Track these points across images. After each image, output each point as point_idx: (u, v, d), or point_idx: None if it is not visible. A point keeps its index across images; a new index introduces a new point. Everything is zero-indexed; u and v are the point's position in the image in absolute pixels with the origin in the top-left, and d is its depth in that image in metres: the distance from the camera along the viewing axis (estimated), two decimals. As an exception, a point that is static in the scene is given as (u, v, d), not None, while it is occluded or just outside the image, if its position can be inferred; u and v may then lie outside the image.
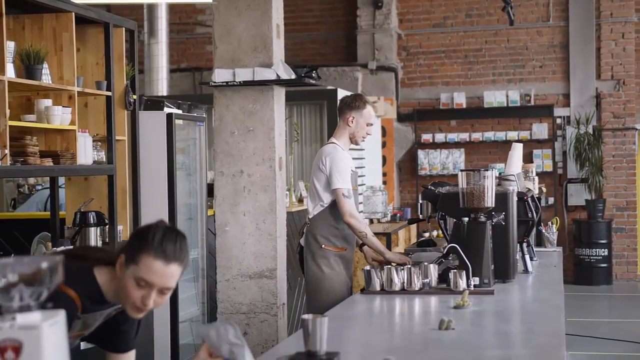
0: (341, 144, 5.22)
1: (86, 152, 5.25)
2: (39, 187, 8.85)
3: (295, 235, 7.39)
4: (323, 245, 5.14)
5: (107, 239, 5.56)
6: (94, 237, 5.38)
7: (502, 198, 4.52)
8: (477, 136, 12.68)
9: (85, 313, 2.64)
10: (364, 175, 10.37)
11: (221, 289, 5.61)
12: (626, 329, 9.26)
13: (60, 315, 1.80)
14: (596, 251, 12.13)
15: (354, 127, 5.21)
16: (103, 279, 2.65)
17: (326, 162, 5.09)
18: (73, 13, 5.15)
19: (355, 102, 5.24)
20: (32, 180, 8.89)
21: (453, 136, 12.76)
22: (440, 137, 12.79)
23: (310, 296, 5.25)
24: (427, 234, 11.54)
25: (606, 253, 12.15)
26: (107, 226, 5.53)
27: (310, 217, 5.22)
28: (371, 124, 5.27)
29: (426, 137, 12.84)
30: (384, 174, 12.29)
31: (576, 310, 10.20)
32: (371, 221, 10.16)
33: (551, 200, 12.46)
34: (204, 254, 6.83)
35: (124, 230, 5.80)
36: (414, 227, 11.16)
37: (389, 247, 9.06)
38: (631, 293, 11.82)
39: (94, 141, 5.46)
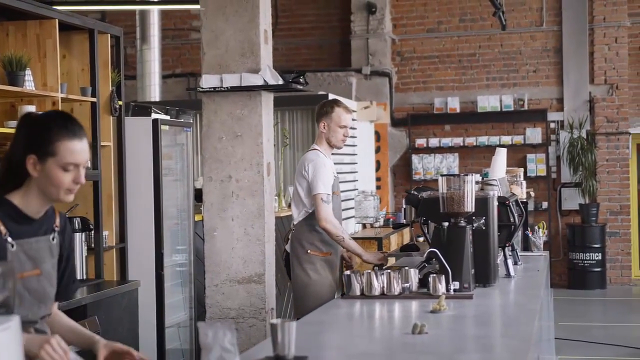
0: (323, 149, 5.33)
1: (70, 157, 5.26)
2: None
3: (283, 240, 7.41)
4: (309, 251, 5.24)
5: (92, 245, 5.57)
6: (79, 242, 5.39)
7: (482, 203, 4.53)
8: (471, 141, 12.70)
9: (17, 238, 2.66)
10: (357, 180, 10.39)
11: (209, 294, 5.62)
12: (619, 333, 9.26)
13: (14, 321, 1.82)
14: (590, 255, 12.14)
15: (327, 132, 5.34)
16: (17, 200, 2.70)
17: (309, 168, 5.21)
18: (57, 20, 5.17)
19: (324, 108, 5.38)
20: None
21: (447, 141, 12.78)
22: (434, 141, 12.81)
23: (297, 301, 5.29)
24: (421, 239, 11.54)
25: (600, 257, 12.16)
26: (92, 232, 5.54)
27: (294, 222, 5.32)
28: (344, 126, 5.35)
29: (420, 141, 12.86)
30: (378, 179, 12.31)
31: (569, 314, 10.21)
32: (364, 226, 10.17)
33: (545, 204, 12.47)
34: (191, 259, 6.85)
35: (109, 236, 5.82)
36: (407, 231, 11.17)
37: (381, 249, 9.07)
38: (625, 297, 11.82)
39: (79, 147, 5.47)
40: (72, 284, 2.93)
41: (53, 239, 2.79)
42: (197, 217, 6.79)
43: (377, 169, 12.30)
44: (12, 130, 4.90)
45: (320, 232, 5.20)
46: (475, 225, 4.48)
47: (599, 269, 12.18)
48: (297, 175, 5.32)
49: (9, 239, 2.64)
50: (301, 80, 5.91)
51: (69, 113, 2.78)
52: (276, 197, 7.98)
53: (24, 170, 2.69)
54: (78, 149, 2.68)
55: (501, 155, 5.59)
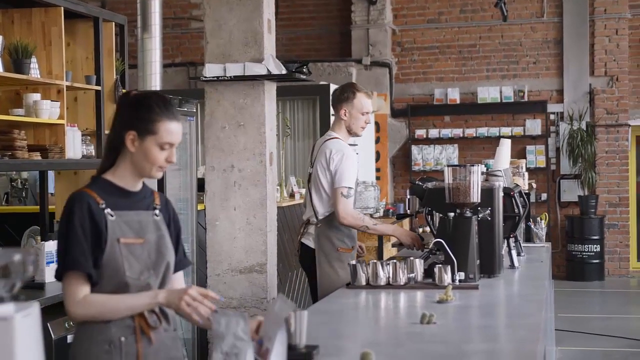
0: (343, 138, 5.10)
1: (75, 146, 5.26)
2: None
3: (285, 230, 7.40)
4: (339, 248, 5.02)
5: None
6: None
7: (488, 193, 4.53)
8: (470, 132, 12.70)
9: (116, 209, 2.80)
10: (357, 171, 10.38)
11: (211, 283, 5.62)
12: (617, 324, 9.29)
13: (35, 307, 1.82)
14: (589, 247, 12.16)
15: (349, 119, 5.10)
16: (110, 177, 2.86)
17: (335, 159, 4.97)
18: (62, 7, 5.16)
19: (344, 93, 5.12)
20: (25, 174, 8.90)
21: (447, 132, 12.78)
22: (434, 132, 12.81)
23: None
24: (421, 230, 11.56)
25: (598, 249, 12.19)
26: (96, 220, 5.53)
27: (319, 217, 5.06)
28: (366, 112, 5.11)
29: (420, 132, 12.87)
30: (378, 170, 12.31)
31: (568, 306, 10.24)
32: (364, 216, 10.16)
33: (544, 196, 12.48)
34: (194, 248, 6.84)
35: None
36: (406, 222, 11.18)
37: (380, 242, 9.06)
38: (623, 289, 11.85)
39: (83, 135, 5.47)
40: (183, 258, 3.04)
41: (156, 215, 2.92)
42: (200, 207, 6.78)
43: (377, 159, 12.30)
44: (18, 118, 4.93)
45: (347, 227, 5.01)
46: (480, 215, 4.48)
47: (597, 261, 12.20)
48: (319, 166, 5.04)
49: (108, 210, 2.78)
50: (304, 70, 5.90)
51: (160, 93, 2.94)
52: (277, 187, 7.97)
53: (120, 146, 2.83)
54: (175, 130, 2.83)
55: (505, 146, 5.59)
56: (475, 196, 4.39)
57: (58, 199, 5.75)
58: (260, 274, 5.66)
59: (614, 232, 12.53)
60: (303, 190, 8.35)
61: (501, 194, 4.68)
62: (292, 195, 8.12)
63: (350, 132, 5.15)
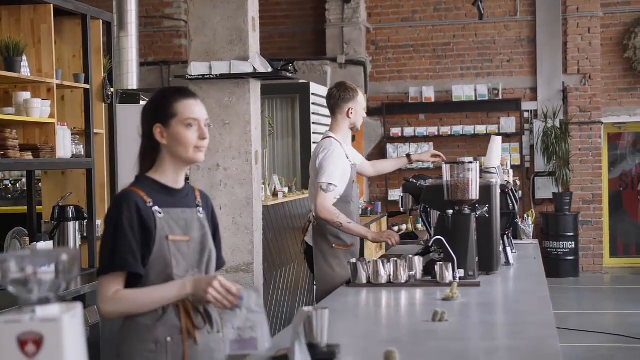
0: (340, 137, 5.13)
1: (65, 145, 5.19)
2: (6, 182, 8.74)
3: (270, 229, 7.37)
4: (334, 245, 5.06)
5: (85, 234, 5.50)
6: (73, 231, 5.32)
7: (485, 190, 4.54)
8: (445, 130, 12.74)
9: (162, 207, 2.80)
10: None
11: (198, 283, 5.57)
12: (593, 320, 9.38)
13: (78, 308, 1.78)
14: (563, 244, 12.26)
15: (354, 117, 5.17)
16: (152, 175, 2.85)
17: (320, 156, 5.03)
18: (51, 5, 5.08)
19: (349, 93, 5.17)
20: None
21: (422, 130, 12.81)
22: (409, 131, 12.84)
23: (324, 294, 5.10)
24: (396, 228, 11.60)
25: (573, 246, 12.29)
26: (85, 220, 5.47)
27: (315, 215, 5.07)
28: (364, 108, 5.26)
29: (395, 131, 12.89)
30: (353, 168, 12.31)
31: (545, 302, 10.30)
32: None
33: (519, 193, 12.55)
34: (180, 248, 6.78)
35: (102, 225, 5.73)
36: (384, 220, 11.22)
37: (361, 240, 9.05)
38: (597, 285, 11.96)
39: (72, 134, 5.39)
40: (220, 259, 3.00)
41: (199, 212, 2.91)
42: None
43: (353, 158, 12.29)
44: (8, 117, 4.84)
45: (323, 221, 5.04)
46: (478, 212, 4.48)
47: (571, 258, 12.30)
48: (312, 165, 5.11)
49: (156, 207, 2.78)
50: (290, 68, 5.88)
51: (170, 87, 2.98)
52: (262, 186, 7.94)
53: (155, 145, 2.82)
54: (195, 106, 2.84)
55: (497, 143, 5.62)
56: (474, 193, 4.39)
57: (45, 200, 5.66)
58: (247, 274, 5.63)
59: (588, 229, 12.64)
60: (286, 189, 8.34)
61: (498, 190, 4.69)
62: (275, 194, 8.09)
63: (353, 129, 5.22)
